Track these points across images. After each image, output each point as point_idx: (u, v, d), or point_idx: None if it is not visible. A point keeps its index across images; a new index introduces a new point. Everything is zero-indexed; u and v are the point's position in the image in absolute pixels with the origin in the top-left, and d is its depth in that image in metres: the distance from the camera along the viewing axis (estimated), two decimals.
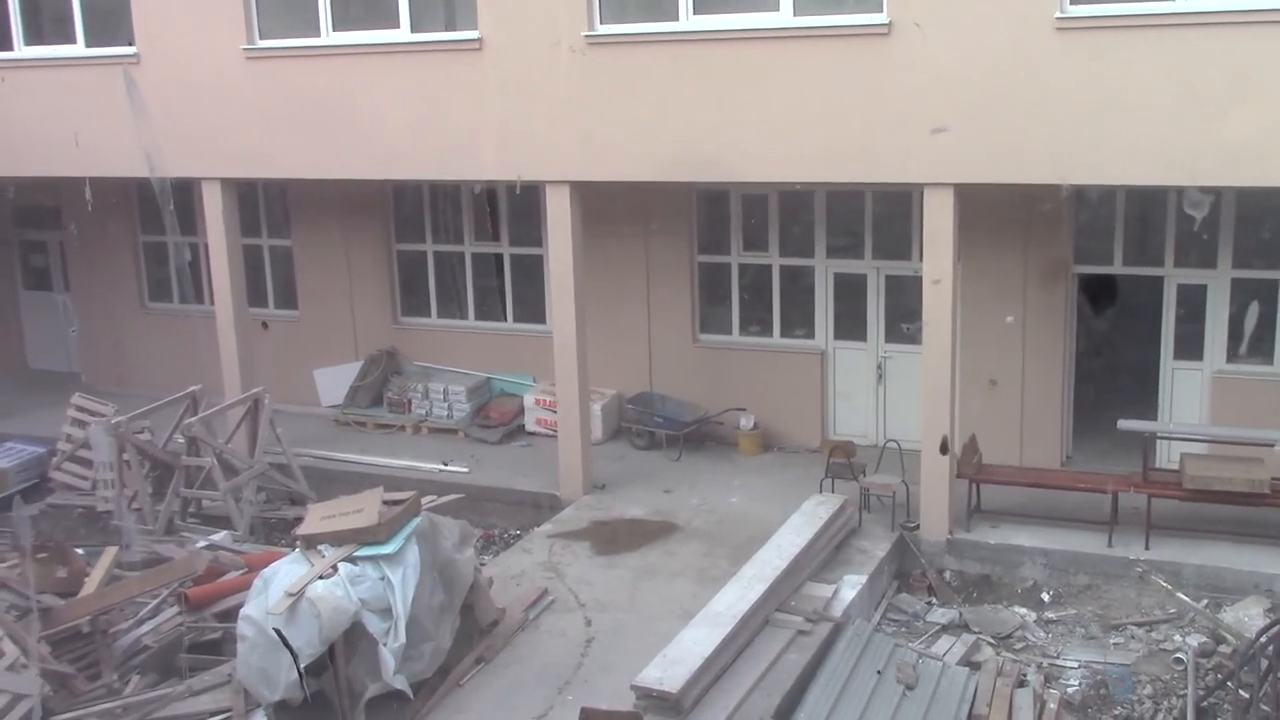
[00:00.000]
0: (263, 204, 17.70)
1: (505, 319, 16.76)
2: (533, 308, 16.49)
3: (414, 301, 17.31)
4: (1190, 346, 13.53)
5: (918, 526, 12.51)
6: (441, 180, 15.56)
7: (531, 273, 16.40)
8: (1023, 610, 11.67)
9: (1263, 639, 9.78)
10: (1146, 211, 13.71)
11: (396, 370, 17.06)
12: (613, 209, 14.90)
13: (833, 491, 12.78)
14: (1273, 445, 11.98)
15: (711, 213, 15.50)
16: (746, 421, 15.05)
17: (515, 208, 16.32)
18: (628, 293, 15.61)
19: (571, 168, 13.04)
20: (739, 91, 12.20)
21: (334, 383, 17.09)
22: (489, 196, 16.26)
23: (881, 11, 11.65)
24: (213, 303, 15.74)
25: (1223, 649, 10.71)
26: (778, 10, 12.11)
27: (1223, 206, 13.06)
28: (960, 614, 11.60)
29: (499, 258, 16.61)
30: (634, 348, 15.74)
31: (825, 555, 11.81)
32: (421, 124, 13.54)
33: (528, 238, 16.22)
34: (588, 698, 9.02)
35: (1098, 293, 14.86)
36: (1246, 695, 9.53)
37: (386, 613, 8.99)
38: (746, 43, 12.20)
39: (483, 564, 11.80)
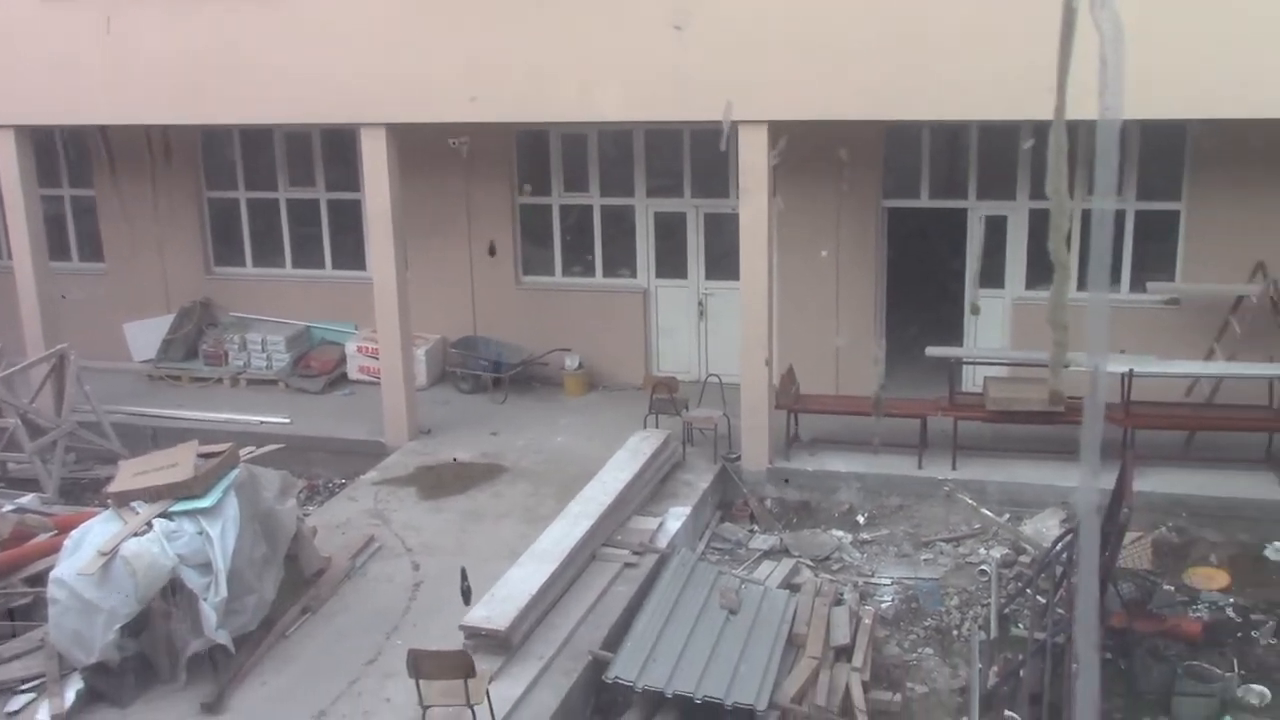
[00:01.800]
0: (62, 152, 16.89)
1: (324, 266, 16.44)
2: (352, 254, 16.20)
3: (228, 250, 16.81)
4: (993, 275, 14.17)
5: (739, 457, 12.85)
6: (249, 125, 15.11)
7: (350, 218, 16.08)
8: (840, 533, 12.14)
9: (1058, 548, 10.42)
10: (952, 146, 14.23)
11: (212, 322, 16.59)
12: (431, 152, 14.72)
13: (657, 427, 13.01)
14: (1067, 366, 12.62)
15: (531, 153, 15.45)
16: (571, 362, 15.17)
17: (331, 152, 15.97)
18: (449, 236, 15.47)
19: (387, 110, 12.80)
20: (554, 31, 12.14)
21: (145, 336, 16.49)
22: (304, 141, 15.88)
23: None
24: (10, 257, 15.01)
25: (1023, 559, 11.37)
26: None
27: (1021, 140, 13.63)
28: (781, 539, 12.00)
29: (316, 204, 16.25)
30: (457, 292, 15.63)
31: (650, 489, 12.05)
32: (223, 66, 13.05)
33: (345, 182, 15.89)
34: (417, 640, 9.03)
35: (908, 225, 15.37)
36: (1043, 600, 10.15)
37: (206, 567, 8.82)
38: None
39: (307, 514, 11.65)
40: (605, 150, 15.13)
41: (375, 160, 13.03)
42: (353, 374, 15.77)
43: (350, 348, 15.82)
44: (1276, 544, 11.33)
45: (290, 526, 9.80)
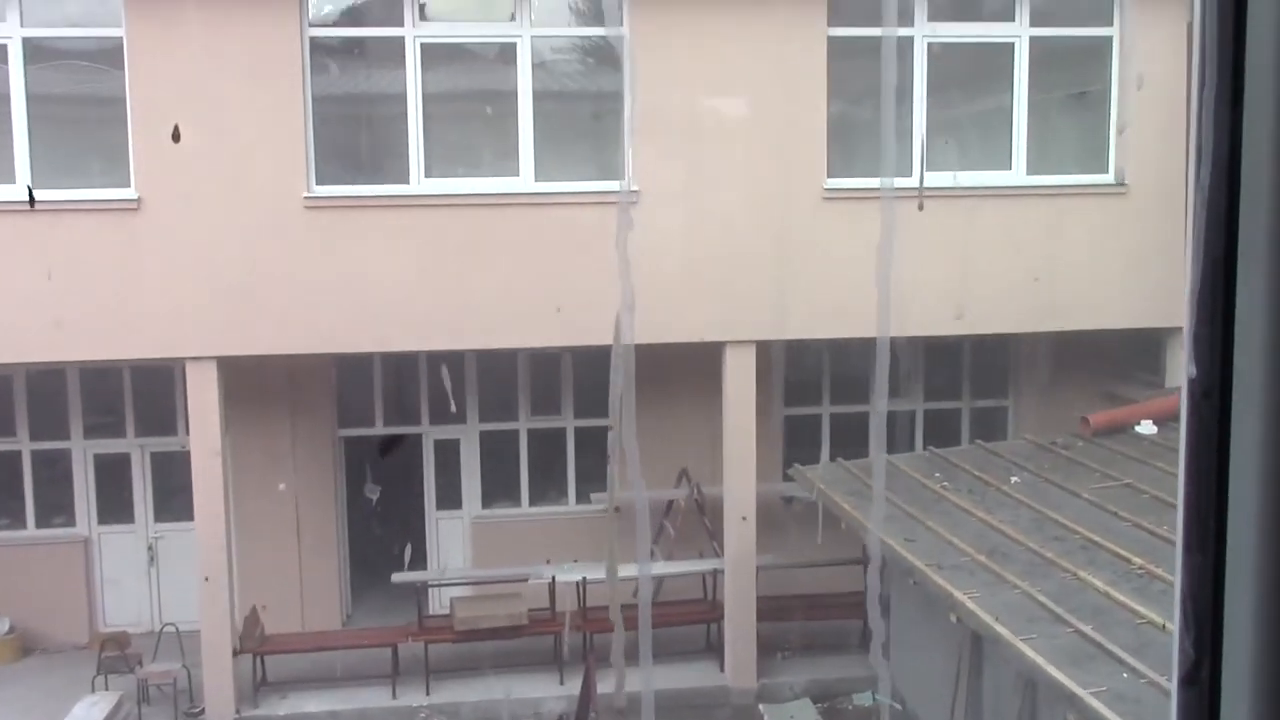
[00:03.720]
0: None
1: None
2: None
3: None
4: (450, 496, 14.62)
5: (203, 711, 12.06)
6: None
7: None
8: None
9: None
10: (402, 375, 14.71)
11: None
12: None
13: (107, 689, 11.97)
14: (526, 580, 13.24)
15: None
16: None
17: None
18: None
19: None
20: None
21: None
22: None
23: (130, 186, 11.50)
24: None
25: None
26: (14, 183, 11.46)
27: (467, 367, 14.41)
28: None
29: None
30: None
31: None
32: None
33: None
34: None
35: (373, 453, 15.56)
36: None
37: None
38: None
39: None
40: (34, 388, 14.04)
41: None
42: None
43: None
44: None
45: None
